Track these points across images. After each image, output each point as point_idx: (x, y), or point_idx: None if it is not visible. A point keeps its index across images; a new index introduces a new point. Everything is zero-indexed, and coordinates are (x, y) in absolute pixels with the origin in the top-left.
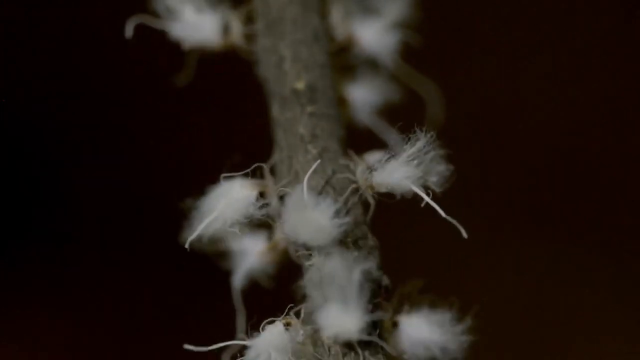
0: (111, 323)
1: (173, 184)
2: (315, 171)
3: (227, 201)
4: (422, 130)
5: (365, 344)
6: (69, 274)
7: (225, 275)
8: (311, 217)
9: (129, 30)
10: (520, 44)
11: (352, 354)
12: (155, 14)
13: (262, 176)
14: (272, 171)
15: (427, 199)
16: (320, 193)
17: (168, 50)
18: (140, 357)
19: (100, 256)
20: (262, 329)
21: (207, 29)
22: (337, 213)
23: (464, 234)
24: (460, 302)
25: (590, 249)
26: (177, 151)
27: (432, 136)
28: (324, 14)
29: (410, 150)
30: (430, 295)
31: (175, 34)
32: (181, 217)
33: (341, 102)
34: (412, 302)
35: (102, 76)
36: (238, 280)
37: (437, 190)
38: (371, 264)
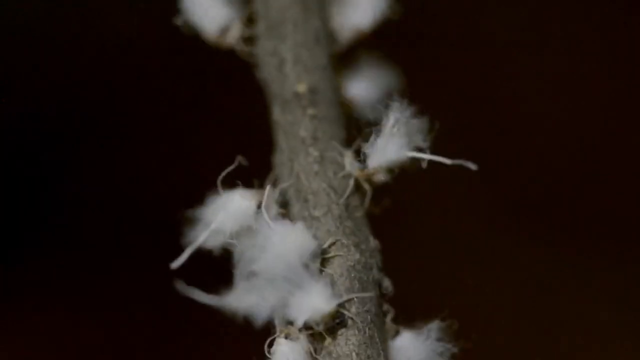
0: (112, 324)
1: (175, 188)
2: (316, 174)
3: (226, 214)
4: (391, 100)
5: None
6: (71, 275)
7: (227, 279)
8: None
9: None
10: (521, 41)
11: (354, 337)
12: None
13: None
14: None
15: (429, 157)
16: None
17: (168, 53)
18: (140, 357)
19: (102, 258)
20: (270, 353)
21: (211, 19)
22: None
23: (473, 167)
24: (460, 303)
25: (591, 251)
26: (178, 155)
27: (402, 101)
28: (324, 17)
29: (389, 122)
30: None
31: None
32: (183, 220)
33: (342, 104)
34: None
35: (102, 79)
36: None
37: (425, 145)
38: (302, 234)
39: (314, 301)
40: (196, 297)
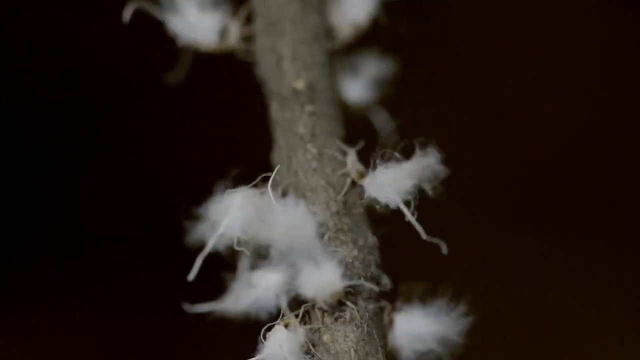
0: (112, 324)
1: (174, 187)
2: (314, 170)
3: (230, 218)
4: (420, 146)
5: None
6: (71, 275)
7: (226, 280)
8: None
9: (127, 13)
10: (519, 51)
11: (352, 333)
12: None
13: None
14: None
15: (411, 219)
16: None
17: (168, 52)
18: (141, 357)
19: (102, 258)
20: (264, 338)
21: (205, 30)
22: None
23: (444, 251)
24: (459, 301)
25: (587, 249)
26: (177, 154)
27: (430, 153)
28: (323, 13)
29: (406, 167)
30: (425, 288)
31: (172, 28)
32: (183, 220)
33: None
34: (407, 299)
35: (102, 79)
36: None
37: (431, 194)
38: (314, 218)
39: (327, 276)
40: (199, 310)
